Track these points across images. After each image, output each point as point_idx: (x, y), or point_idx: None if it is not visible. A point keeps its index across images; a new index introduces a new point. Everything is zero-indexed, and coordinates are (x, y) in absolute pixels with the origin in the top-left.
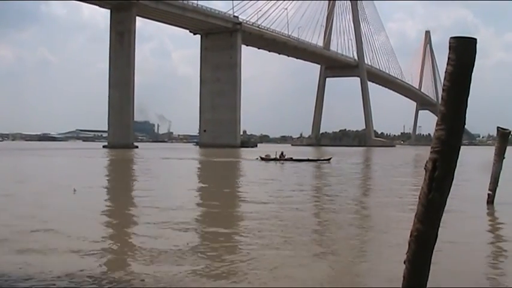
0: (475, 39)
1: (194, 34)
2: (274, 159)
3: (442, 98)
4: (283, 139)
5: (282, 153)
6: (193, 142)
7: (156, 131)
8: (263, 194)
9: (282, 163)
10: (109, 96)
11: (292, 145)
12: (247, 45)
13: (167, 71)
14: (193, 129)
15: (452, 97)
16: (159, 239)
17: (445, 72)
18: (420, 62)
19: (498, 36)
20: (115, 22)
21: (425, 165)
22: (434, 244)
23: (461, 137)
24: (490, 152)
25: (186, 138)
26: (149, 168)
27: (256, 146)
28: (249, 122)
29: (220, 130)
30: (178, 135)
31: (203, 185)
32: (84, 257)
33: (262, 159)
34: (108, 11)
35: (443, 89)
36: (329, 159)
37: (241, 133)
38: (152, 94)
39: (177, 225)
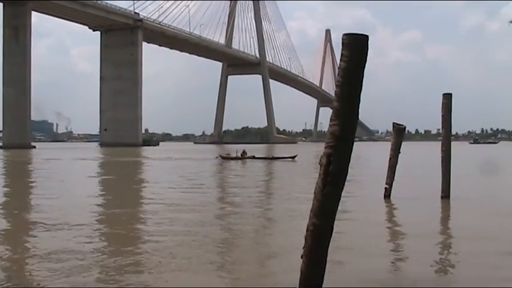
0: (367, 36)
1: (94, 30)
2: (236, 158)
3: (335, 93)
4: (186, 137)
5: (243, 151)
6: (94, 141)
7: (55, 130)
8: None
9: (244, 162)
10: (3, 95)
11: (194, 143)
12: (148, 43)
13: (66, 68)
14: (95, 128)
15: (346, 93)
16: None
17: (339, 68)
18: (321, 60)
19: (395, 36)
20: (8, 16)
21: (320, 160)
22: (330, 238)
23: (354, 132)
24: (388, 147)
25: (86, 138)
26: (46, 170)
27: (159, 144)
28: (151, 120)
29: (122, 129)
30: (79, 134)
31: (102, 191)
32: None
33: (222, 158)
34: (1, 4)
35: (336, 85)
36: (294, 156)
37: (143, 132)
38: (50, 92)
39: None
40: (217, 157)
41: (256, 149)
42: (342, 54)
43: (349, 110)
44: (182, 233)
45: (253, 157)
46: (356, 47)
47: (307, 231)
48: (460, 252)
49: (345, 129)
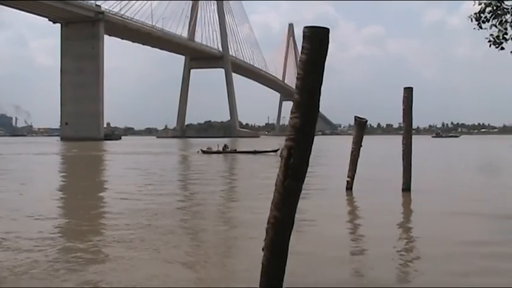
0: (328, 29)
1: (54, 23)
2: (217, 152)
3: (296, 86)
4: (149, 131)
5: (225, 145)
6: (55, 136)
7: (14, 124)
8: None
9: (225, 156)
10: None
11: (157, 137)
12: (110, 36)
13: (25, 61)
14: (55, 123)
15: (306, 86)
16: None
17: (299, 61)
18: (284, 54)
19: (358, 31)
20: None
21: (281, 153)
22: (291, 230)
23: (315, 125)
24: (350, 140)
25: (47, 132)
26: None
27: (121, 138)
28: (113, 114)
29: (83, 123)
30: (39, 128)
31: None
32: None
33: (203, 152)
34: None
35: (297, 78)
36: (276, 150)
37: (105, 125)
38: (9, 86)
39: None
40: (198, 151)
41: (219, 143)
42: (302, 47)
43: (310, 103)
44: (142, 227)
45: (235, 151)
46: (317, 40)
47: (268, 223)
48: (418, 243)
49: (306, 121)
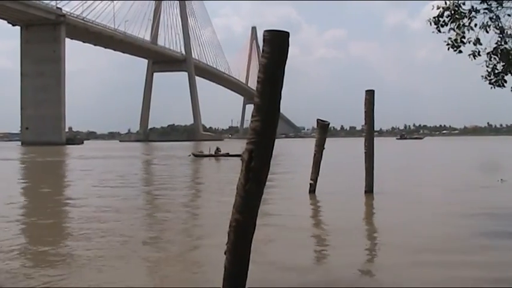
0: (288, 33)
1: (13, 25)
2: (209, 156)
3: (257, 90)
4: (112, 135)
5: (217, 148)
6: (16, 140)
7: None
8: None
9: (218, 159)
10: None
11: (120, 141)
12: (71, 39)
13: None
14: (15, 127)
15: (267, 89)
16: None
17: (260, 64)
18: (247, 57)
19: (320, 34)
20: None
21: (242, 156)
22: (253, 233)
23: (275, 128)
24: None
25: (7, 137)
26: None
27: (83, 143)
28: (75, 118)
29: (44, 127)
30: None
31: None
32: None
33: (195, 156)
34: None
35: (258, 82)
36: None
37: (67, 130)
38: None
39: None
40: (189, 155)
41: (182, 147)
42: (263, 51)
43: (270, 106)
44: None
45: (228, 154)
46: (277, 44)
47: (230, 227)
48: (380, 244)
49: (266, 125)
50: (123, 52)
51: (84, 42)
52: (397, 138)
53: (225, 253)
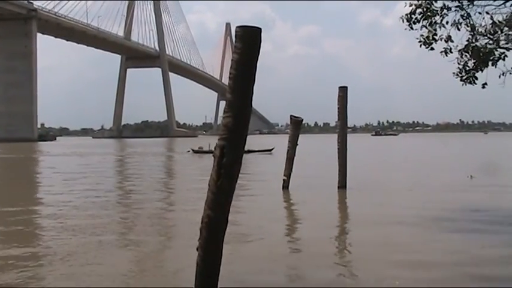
0: (260, 29)
1: None
2: (209, 152)
3: (229, 86)
4: (84, 132)
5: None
6: None
7: None
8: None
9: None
10: None
11: (93, 138)
12: (43, 34)
13: None
14: None
15: (239, 85)
16: None
17: (232, 60)
18: (221, 54)
19: (294, 31)
20: None
21: (214, 153)
22: (225, 229)
23: (247, 124)
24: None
25: None
26: None
27: (55, 139)
28: (48, 114)
29: (15, 123)
30: None
31: None
32: None
33: (194, 152)
34: None
35: (229, 78)
36: (271, 149)
37: (39, 126)
38: None
39: None
40: (188, 151)
41: (157, 144)
42: (235, 47)
43: (243, 102)
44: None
45: None
46: (249, 40)
47: (202, 223)
48: (353, 236)
49: (238, 121)
50: (96, 48)
51: (56, 37)
52: (372, 135)
53: (197, 249)
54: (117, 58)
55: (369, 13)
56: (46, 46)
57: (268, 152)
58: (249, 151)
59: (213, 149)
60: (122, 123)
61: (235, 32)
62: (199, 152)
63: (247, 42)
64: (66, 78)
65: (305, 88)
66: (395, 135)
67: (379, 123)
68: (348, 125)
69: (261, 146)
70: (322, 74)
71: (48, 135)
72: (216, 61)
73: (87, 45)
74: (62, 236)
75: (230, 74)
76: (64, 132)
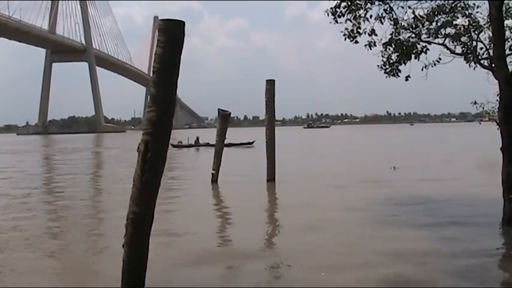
0: (183, 22)
1: None
2: (188, 146)
3: (152, 80)
4: (8, 128)
5: (197, 138)
6: None
7: None
8: None
9: (198, 149)
10: None
11: (18, 134)
12: None
13: None
14: None
15: (163, 79)
16: None
17: (155, 54)
18: (149, 47)
19: (222, 24)
20: None
21: (138, 148)
22: (151, 225)
23: (172, 118)
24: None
25: None
26: None
27: None
28: None
29: None
30: None
31: None
32: None
33: (174, 146)
34: None
35: (153, 71)
36: (252, 142)
37: None
38: None
39: None
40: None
41: (86, 140)
42: (158, 40)
43: (166, 96)
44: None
45: (208, 144)
46: (172, 33)
47: (127, 219)
48: (280, 227)
49: (162, 115)
50: (19, 41)
51: None
52: (304, 127)
53: (123, 246)
54: (41, 52)
55: (296, 7)
56: None
57: (249, 145)
58: (230, 144)
59: (193, 143)
60: (48, 119)
61: (159, 25)
62: (178, 146)
63: (170, 36)
64: None
65: (234, 81)
66: (327, 127)
67: (308, 115)
68: (277, 118)
69: (191, 140)
70: (251, 66)
71: None
72: (144, 55)
73: (9, 39)
74: None
75: (154, 67)
76: None
